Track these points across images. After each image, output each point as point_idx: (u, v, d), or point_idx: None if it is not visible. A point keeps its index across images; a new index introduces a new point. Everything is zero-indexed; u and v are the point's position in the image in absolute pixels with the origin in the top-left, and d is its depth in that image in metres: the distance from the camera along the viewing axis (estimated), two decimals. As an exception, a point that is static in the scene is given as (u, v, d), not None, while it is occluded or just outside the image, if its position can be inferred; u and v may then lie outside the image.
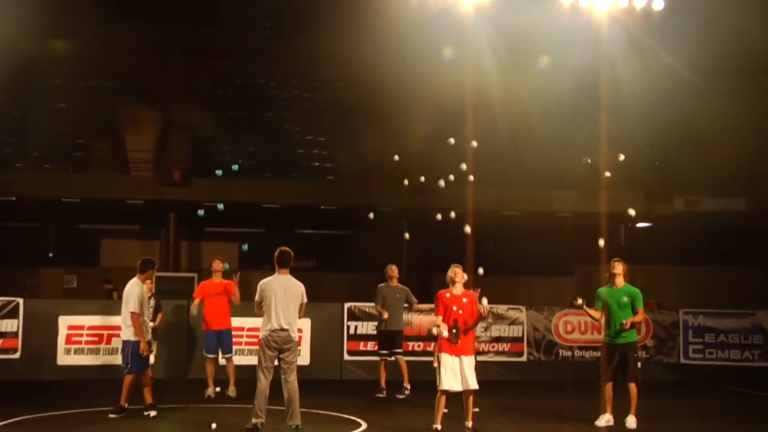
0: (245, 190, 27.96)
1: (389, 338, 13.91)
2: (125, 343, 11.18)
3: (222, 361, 13.61)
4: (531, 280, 32.34)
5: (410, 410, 12.33)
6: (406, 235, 11.99)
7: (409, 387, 13.71)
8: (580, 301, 11.02)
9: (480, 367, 16.61)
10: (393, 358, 13.99)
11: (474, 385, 10.24)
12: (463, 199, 28.41)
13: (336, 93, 34.35)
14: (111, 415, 11.06)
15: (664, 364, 17.55)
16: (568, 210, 29.42)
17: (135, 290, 11.08)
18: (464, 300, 10.37)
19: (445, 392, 10.24)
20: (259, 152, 31.21)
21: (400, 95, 28.32)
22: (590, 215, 29.86)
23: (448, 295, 10.44)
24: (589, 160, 13.62)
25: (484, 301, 10.29)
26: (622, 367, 10.97)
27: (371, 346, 16.41)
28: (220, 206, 13.72)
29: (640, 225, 32.45)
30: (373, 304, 14.67)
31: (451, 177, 13.68)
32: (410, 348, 16.05)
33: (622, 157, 13.20)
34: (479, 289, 10.53)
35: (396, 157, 15.25)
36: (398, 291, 13.99)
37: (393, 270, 14.10)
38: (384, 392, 13.68)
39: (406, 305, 14.11)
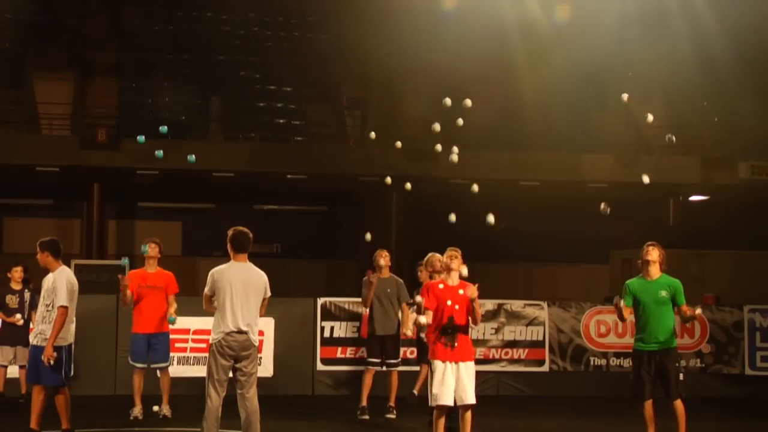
0: (190, 153, 27.79)
1: (380, 345, 13.83)
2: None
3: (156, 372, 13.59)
4: (555, 268, 32.46)
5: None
6: (452, 217, 11.64)
7: (394, 407, 13.72)
8: (623, 302, 11.06)
9: (490, 380, 16.73)
10: (383, 369, 13.92)
11: (471, 398, 10.33)
12: (469, 165, 28.46)
13: (306, 30, 34.20)
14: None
15: (724, 375, 17.62)
16: (602, 179, 29.47)
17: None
18: (461, 292, 10.44)
19: (442, 408, 10.31)
20: (208, 106, 31.09)
21: (388, 33, 28.20)
22: (630, 186, 29.96)
23: (441, 286, 10.51)
24: (674, 138, 13.30)
25: (464, 269, 10.39)
26: (662, 380, 11.01)
27: (351, 352, 16.38)
28: (159, 153, 13.49)
29: (694, 198, 32.54)
30: (353, 299, 14.66)
31: (455, 151, 13.50)
32: (403, 355, 16.03)
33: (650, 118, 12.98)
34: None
35: (372, 135, 15.03)
36: (389, 284, 13.93)
37: (384, 257, 13.98)
38: (367, 414, 13.66)
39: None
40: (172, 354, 14.54)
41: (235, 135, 29.99)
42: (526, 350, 17.17)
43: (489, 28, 27.25)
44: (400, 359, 14.09)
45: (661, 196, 31.26)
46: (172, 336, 13.91)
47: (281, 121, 31.79)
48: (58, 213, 31.66)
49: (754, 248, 29.30)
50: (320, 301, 16.69)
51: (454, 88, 28.54)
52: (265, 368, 16.11)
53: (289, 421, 13.28)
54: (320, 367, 16.54)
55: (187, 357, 15.80)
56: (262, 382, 15.97)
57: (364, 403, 13.71)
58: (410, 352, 16.29)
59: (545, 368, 17.21)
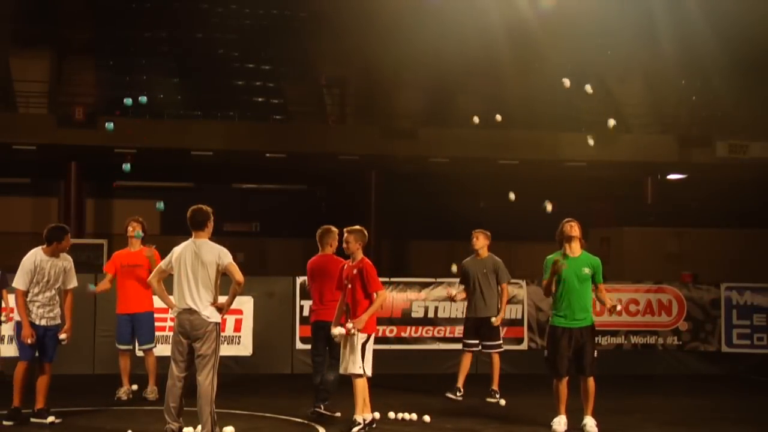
0: (169, 132, 27.80)
1: (476, 327, 13.72)
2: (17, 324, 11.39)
3: (139, 353, 13.53)
4: (533, 246, 32.48)
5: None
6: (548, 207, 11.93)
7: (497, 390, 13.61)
8: (549, 206, 11.26)
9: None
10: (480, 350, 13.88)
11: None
12: (447, 144, 28.45)
13: (284, 7, 34.10)
14: (5, 422, 11.05)
15: (701, 353, 17.74)
16: (580, 158, 29.57)
17: (26, 263, 11.17)
18: (355, 272, 11.10)
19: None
20: (186, 84, 30.99)
21: (367, 9, 28.18)
22: (608, 165, 30.09)
23: (345, 266, 11.32)
24: (567, 82, 12.86)
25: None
26: (578, 357, 11.11)
27: (330, 331, 16.55)
28: (126, 167, 13.24)
29: (672, 177, 32.68)
30: None
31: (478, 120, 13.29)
32: (383, 333, 16.09)
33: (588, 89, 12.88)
34: None
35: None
36: (486, 265, 13.78)
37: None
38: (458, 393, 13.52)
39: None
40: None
41: (213, 114, 29.93)
42: (505, 328, 17.19)
43: (471, 8, 27.24)
44: (500, 341, 13.82)
45: (639, 175, 31.38)
46: (155, 316, 13.81)
47: (260, 99, 31.73)
48: (35, 192, 31.52)
49: (732, 227, 29.45)
50: (299, 279, 16.71)
51: (434, 67, 28.63)
52: (245, 347, 16.21)
53: (268, 399, 13.32)
54: (299, 345, 16.58)
55: (168, 336, 15.79)
56: (241, 360, 16.10)
57: (460, 384, 13.49)
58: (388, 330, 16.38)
59: (524, 346, 17.31)
